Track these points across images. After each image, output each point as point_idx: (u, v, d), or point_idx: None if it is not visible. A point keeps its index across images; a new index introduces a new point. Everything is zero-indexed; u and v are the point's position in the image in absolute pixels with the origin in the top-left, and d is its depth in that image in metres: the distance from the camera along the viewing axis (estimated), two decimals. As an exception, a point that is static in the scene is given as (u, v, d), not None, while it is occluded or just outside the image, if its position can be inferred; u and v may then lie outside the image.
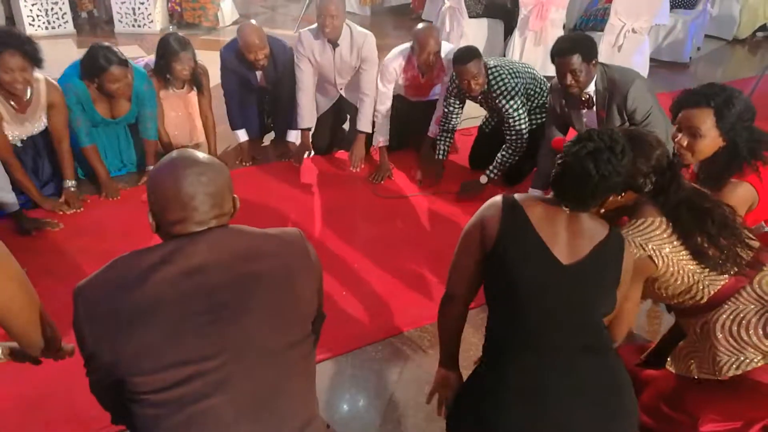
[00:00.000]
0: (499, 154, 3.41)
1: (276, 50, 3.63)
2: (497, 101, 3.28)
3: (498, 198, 1.55)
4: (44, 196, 3.15)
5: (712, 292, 1.69)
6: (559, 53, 2.80)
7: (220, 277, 1.19)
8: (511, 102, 3.26)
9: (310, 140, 3.84)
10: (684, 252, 1.68)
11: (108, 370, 1.16)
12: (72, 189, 3.20)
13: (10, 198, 2.88)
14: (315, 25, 3.49)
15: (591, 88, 2.86)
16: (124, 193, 3.38)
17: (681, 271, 1.68)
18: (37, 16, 6.39)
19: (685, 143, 2.00)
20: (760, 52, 7.42)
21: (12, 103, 2.82)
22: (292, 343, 1.24)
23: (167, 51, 3.38)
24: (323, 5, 3.30)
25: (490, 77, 3.25)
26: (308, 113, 3.71)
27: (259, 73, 3.68)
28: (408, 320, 2.49)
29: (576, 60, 2.76)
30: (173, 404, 1.15)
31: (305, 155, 3.83)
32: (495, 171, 3.42)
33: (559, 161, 1.51)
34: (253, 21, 3.57)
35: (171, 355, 1.14)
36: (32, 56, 2.72)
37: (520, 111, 3.29)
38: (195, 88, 3.65)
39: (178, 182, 1.21)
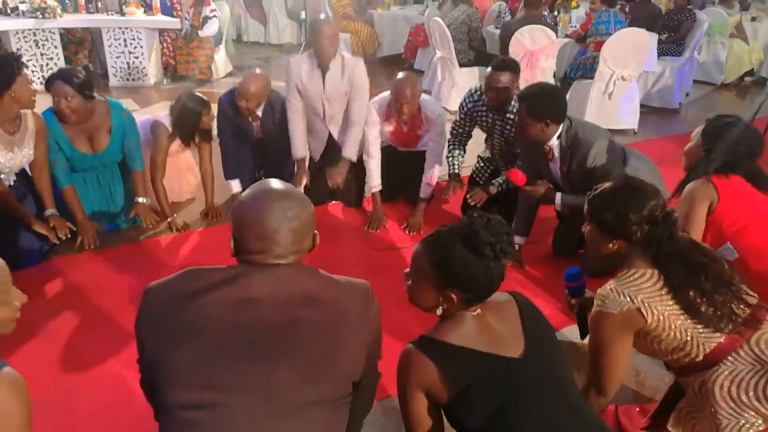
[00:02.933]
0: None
1: (275, 103, 3.62)
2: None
3: (411, 348, 1.41)
4: (37, 218, 3.09)
5: (708, 350, 1.62)
6: (517, 98, 2.88)
7: (269, 316, 1.19)
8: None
9: (306, 169, 3.78)
10: (675, 306, 1.63)
11: (149, 374, 1.24)
12: (54, 213, 3.15)
13: None
14: (306, 54, 3.48)
15: (554, 142, 2.84)
16: (113, 250, 3.31)
17: (673, 326, 1.62)
18: (33, 71, 6.44)
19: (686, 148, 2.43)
20: (749, 96, 7.52)
21: (4, 129, 2.85)
22: (320, 401, 1.21)
23: (190, 110, 3.43)
24: (320, 28, 3.29)
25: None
26: (301, 143, 3.67)
27: (256, 125, 3.66)
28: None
29: (522, 110, 2.79)
30: (192, 426, 1.16)
31: (302, 182, 3.74)
32: (504, 186, 3.44)
33: (459, 259, 1.41)
34: (259, 71, 3.57)
35: (202, 376, 1.16)
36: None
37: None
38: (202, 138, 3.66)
39: (262, 214, 1.23)
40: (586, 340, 1.84)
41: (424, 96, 3.56)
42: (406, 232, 3.61)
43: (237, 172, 3.83)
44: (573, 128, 2.82)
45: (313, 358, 1.20)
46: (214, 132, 3.74)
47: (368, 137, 3.63)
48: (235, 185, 3.84)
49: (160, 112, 3.62)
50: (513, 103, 3.26)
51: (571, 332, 2.65)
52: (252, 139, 3.76)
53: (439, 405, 1.42)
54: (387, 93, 3.62)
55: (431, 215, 3.67)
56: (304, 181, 3.74)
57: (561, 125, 2.80)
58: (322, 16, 3.50)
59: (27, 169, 3.13)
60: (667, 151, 4.54)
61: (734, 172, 2.26)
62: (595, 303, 1.69)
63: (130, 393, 2.21)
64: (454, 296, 1.41)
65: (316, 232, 1.32)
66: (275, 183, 1.30)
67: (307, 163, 3.80)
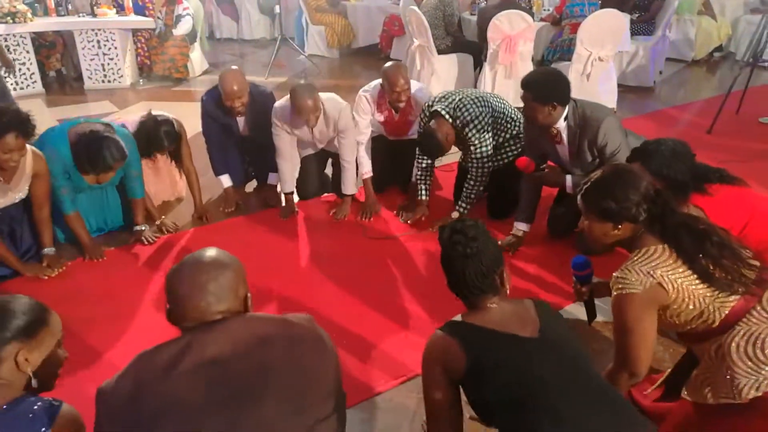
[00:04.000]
0: (464, 187, 3.42)
1: (257, 97, 3.62)
2: (464, 131, 3.27)
3: (437, 333, 1.59)
4: (24, 263, 3.06)
5: (724, 315, 1.69)
6: (521, 85, 2.88)
7: (236, 367, 1.23)
8: (474, 131, 3.25)
9: (293, 203, 3.82)
10: (692, 276, 1.69)
11: None
12: (52, 255, 3.13)
13: None
14: (287, 99, 3.44)
15: (561, 124, 2.88)
16: (106, 253, 3.31)
17: (691, 296, 1.69)
18: (4, 77, 6.30)
19: None
20: (719, 72, 7.69)
21: None
22: (318, 419, 1.26)
23: (154, 141, 3.41)
24: (303, 105, 3.24)
25: (455, 108, 3.25)
26: (290, 178, 3.72)
27: (240, 121, 3.66)
28: (412, 366, 2.44)
29: (528, 96, 2.83)
30: None
31: (291, 214, 3.79)
32: (464, 204, 3.42)
33: (447, 268, 1.64)
34: (235, 67, 3.56)
35: None
36: (29, 135, 2.73)
37: (483, 139, 3.28)
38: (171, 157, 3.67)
39: (183, 288, 1.32)
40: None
41: (412, 82, 3.59)
42: (401, 220, 3.65)
43: (226, 167, 3.84)
44: (579, 108, 2.87)
45: (295, 386, 1.25)
46: (194, 132, 3.73)
47: (358, 126, 3.66)
48: (226, 180, 3.86)
49: (136, 113, 3.60)
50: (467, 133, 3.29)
51: (574, 309, 2.73)
52: (237, 135, 3.77)
53: (457, 380, 1.52)
54: (377, 81, 3.64)
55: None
56: (294, 213, 3.79)
57: (567, 107, 2.85)
58: (307, 83, 3.50)
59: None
60: (647, 128, 4.64)
61: (705, 183, 2.28)
62: (613, 288, 1.74)
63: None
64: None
65: (249, 292, 1.41)
66: (200, 255, 1.39)
67: (296, 175, 3.83)
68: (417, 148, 3.58)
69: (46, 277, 3.04)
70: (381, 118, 3.73)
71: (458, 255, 1.57)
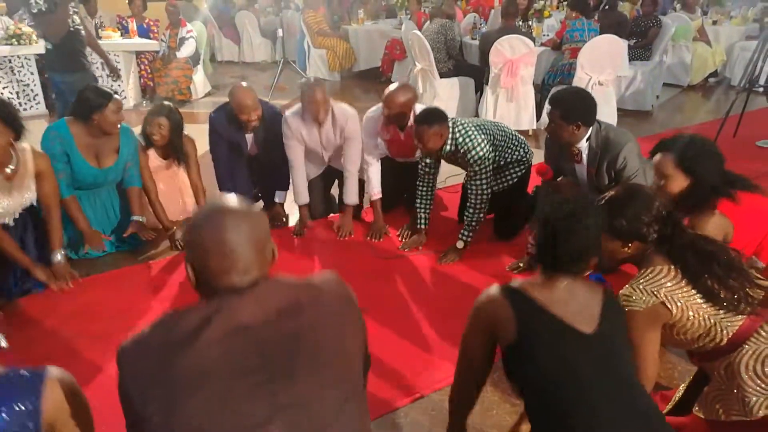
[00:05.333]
0: (465, 216, 3.43)
1: (267, 114, 3.66)
2: (466, 157, 3.30)
3: (496, 292, 1.57)
4: (36, 264, 3.00)
5: (731, 334, 1.72)
6: (549, 102, 2.94)
7: (266, 336, 1.16)
8: (476, 157, 3.27)
9: (307, 215, 3.86)
10: (697, 296, 1.72)
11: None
12: (61, 260, 3.10)
13: None
14: (296, 108, 3.57)
15: (582, 144, 2.95)
16: (116, 272, 3.32)
17: (697, 315, 1.71)
18: (9, 98, 6.36)
19: (655, 187, 2.25)
20: (714, 97, 7.80)
21: None
22: (347, 397, 1.21)
23: (148, 117, 3.48)
24: (312, 97, 3.37)
25: (457, 135, 3.28)
26: (303, 190, 3.77)
27: (249, 138, 3.69)
28: (426, 383, 2.46)
29: (555, 114, 2.88)
30: None
31: (304, 228, 3.84)
32: (467, 233, 3.41)
33: (540, 231, 1.57)
34: (244, 83, 3.61)
35: (225, 420, 1.09)
36: (11, 120, 2.66)
37: (485, 167, 3.29)
38: (178, 161, 3.67)
39: (218, 232, 1.18)
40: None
41: (420, 106, 3.64)
42: (400, 247, 3.64)
43: (233, 187, 3.86)
44: (603, 130, 2.93)
45: (325, 360, 1.19)
46: (203, 150, 3.77)
47: (366, 147, 3.70)
48: None
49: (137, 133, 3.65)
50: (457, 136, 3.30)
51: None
52: (246, 153, 3.80)
53: (499, 343, 1.54)
54: (380, 105, 3.70)
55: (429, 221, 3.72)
56: (306, 227, 3.83)
57: (591, 128, 2.91)
58: (313, 79, 3.55)
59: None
60: (645, 150, 4.67)
61: (733, 189, 2.22)
62: (620, 304, 1.76)
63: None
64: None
65: (274, 244, 1.31)
66: (222, 201, 1.26)
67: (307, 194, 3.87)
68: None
69: (55, 288, 3.02)
70: (387, 136, 3.78)
71: (563, 230, 1.52)
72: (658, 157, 2.29)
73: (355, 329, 1.30)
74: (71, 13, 4.54)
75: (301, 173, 3.72)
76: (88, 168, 3.23)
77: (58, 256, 3.09)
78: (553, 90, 5.80)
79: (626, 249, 1.84)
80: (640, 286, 1.73)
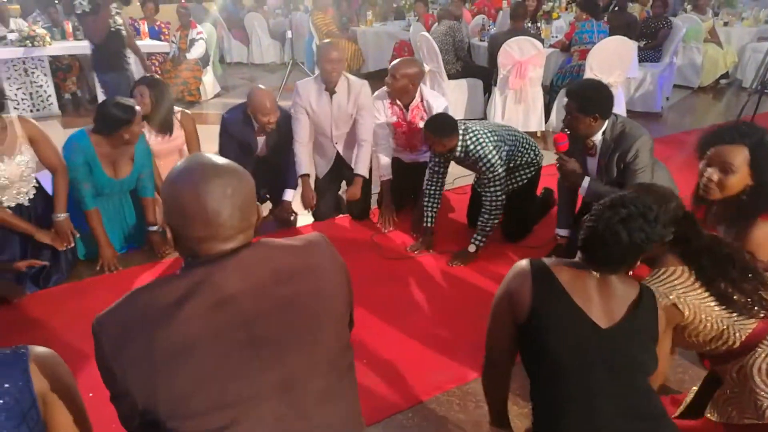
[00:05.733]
0: (479, 220, 3.41)
1: (280, 116, 3.68)
2: (477, 165, 3.32)
3: (525, 265, 1.56)
4: (40, 229, 3.07)
5: (744, 337, 1.72)
6: (566, 94, 2.93)
7: (255, 307, 1.10)
8: (488, 164, 3.27)
9: (311, 186, 3.86)
10: (709, 298, 1.71)
11: (142, 411, 1.05)
12: (62, 219, 3.14)
13: None
14: (312, 77, 3.63)
15: (598, 137, 2.94)
16: (125, 273, 3.35)
17: (709, 317, 1.71)
18: (22, 99, 6.44)
19: (716, 178, 2.00)
20: (725, 99, 7.76)
21: None
22: (339, 373, 1.20)
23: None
24: (326, 52, 3.43)
25: (468, 142, 3.29)
26: (306, 161, 3.78)
27: (261, 140, 3.71)
28: (433, 385, 2.46)
29: (573, 106, 2.86)
30: None
31: (313, 202, 3.85)
32: (480, 238, 3.40)
33: (590, 225, 1.52)
34: (261, 85, 3.61)
35: (213, 397, 1.05)
36: None
37: (497, 173, 3.29)
38: (170, 134, 3.68)
39: (201, 197, 1.08)
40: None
41: (426, 88, 3.67)
42: (408, 249, 3.64)
43: None
44: (620, 124, 2.92)
45: (313, 331, 1.15)
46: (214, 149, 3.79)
47: (379, 137, 3.76)
48: None
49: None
50: (468, 142, 3.31)
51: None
52: (255, 155, 3.81)
53: (518, 322, 1.54)
54: (384, 88, 3.76)
55: (436, 224, 3.73)
56: (313, 200, 3.83)
57: (607, 121, 2.91)
58: (328, 40, 3.61)
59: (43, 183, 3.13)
60: (656, 153, 4.66)
61: None
62: None
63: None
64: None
65: (259, 205, 1.27)
66: (204, 158, 1.16)
67: (313, 182, 3.87)
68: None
69: (59, 247, 3.12)
70: (393, 118, 3.81)
71: (622, 241, 1.45)
72: (724, 146, 1.99)
73: (345, 293, 1.26)
74: (113, 14, 4.67)
75: (304, 146, 3.73)
76: (106, 179, 3.27)
77: (60, 216, 3.14)
78: (561, 91, 5.81)
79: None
80: (652, 287, 1.71)
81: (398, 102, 3.71)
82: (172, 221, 1.13)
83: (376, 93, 3.82)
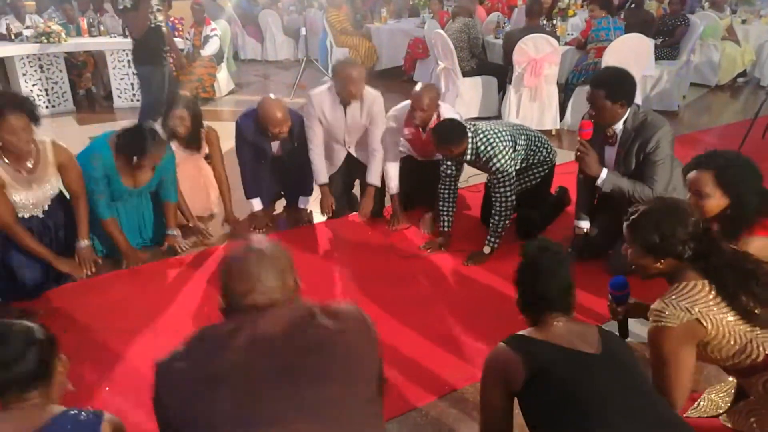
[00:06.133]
0: (490, 222, 3.40)
1: (293, 121, 3.68)
2: (488, 165, 3.29)
3: (502, 345, 1.60)
4: (59, 257, 3.04)
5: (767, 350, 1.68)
6: (591, 83, 2.91)
7: (286, 345, 1.25)
8: (498, 165, 3.25)
9: (330, 194, 3.87)
10: (731, 313, 1.68)
11: None
12: (85, 247, 3.14)
13: None
14: (325, 86, 3.60)
15: (618, 126, 2.91)
16: (144, 267, 3.36)
17: (732, 332, 1.68)
18: (38, 96, 6.48)
19: (693, 202, 2.16)
20: (743, 97, 7.67)
21: (18, 167, 2.79)
22: (367, 399, 1.28)
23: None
24: (349, 75, 3.39)
25: (479, 143, 3.26)
26: (323, 169, 3.78)
27: (275, 144, 3.72)
28: (446, 383, 2.44)
29: (600, 95, 2.84)
30: None
31: (332, 209, 3.87)
32: (494, 239, 3.39)
33: (526, 279, 1.69)
34: (272, 95, 3.58)
35: (250, 418, 1.17)
36: (32, 114, 2.72)
37: (508, 174, 3.27)
38: (198, 149, 3.71)
39: (243, 264, 1.37)
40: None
41: (444, 104, 3.64)
42: (422, 246, 3.63)
43: (257, 192, 3.89)
44: (642, 113, 2.90)
45: (343, 366, 1.27)
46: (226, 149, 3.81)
47: (387, 145, 3.71)
48: (257, 204, 3.89)
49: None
50: (479, 144, 3.28)
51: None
52: (270, 157, 3.82)
53: (514, 392, 1.54)
54: (406, 102, 3.70)
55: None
56: (332, 207, 3.85)
57: (629, 110, 2.89)
58: (346, 56, 3.58)
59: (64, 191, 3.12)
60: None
61: None
62: (651, 319, 1.73)
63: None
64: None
65: (297, 277, 1.47)
66: (251, 241, 1.44)
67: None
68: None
69: (80, 276, 3.09)
70: (409, 135, 3.79)
71: (547, 268, 1.62)
72: (694, 173, 2.17)
73: (371, 348, 1.36)
74: (154, 10, 4.83)
75: (320, 155, 3.73)
76: (125, 189, 3.27)
77: (83, 244, 3.14)
78: (577, 89, 5.77)
79: (659, 264, 1.80)
80: (674, 302, 1.69)
81: (416, 122, 3.66)
82: (224, 288, 1.38)
83: (394, 109, 3.78)
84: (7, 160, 2.76)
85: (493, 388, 1.59)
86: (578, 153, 2.97)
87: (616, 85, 2.85)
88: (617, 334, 2.35)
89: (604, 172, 2.95)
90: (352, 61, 3.50)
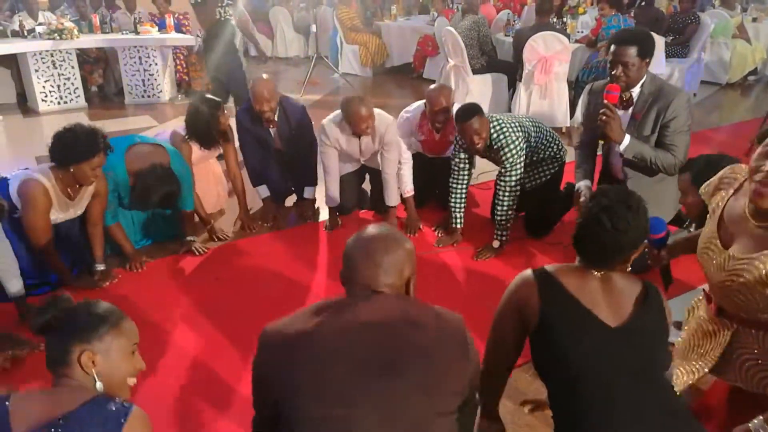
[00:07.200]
0: (495, 214, 3.40)
1: (289, 110, 3.73)
2: (499, 153, 3.30)
3: (528, 274, 1.58)
4: (78, 278, 3.13)
5: None
6: (618, 41, 2.85)
7: (378, 338, 1.30)
8: (509, 154, 3.26)
9: (337, 217, 3.90)
10: None
11: (279, 402, 1.28)
12: (104, 270, 3.19)
13: (15, 284, 2.73)
14: (335, 116, 3.58)
15: (635, 90, 2.89)
16: (150, 265, 3.37)
17: None
18: (50, 92, 6.54)
19: (681, 202, 2.54)
20: (753, 95, 7.64)
21: (66, 191, 2.88)
22: (438, 413, 1.29)
23: (208, 110, 3.52)
24: (357, 112, 3.35)
25: (492, 131, 3.27)
26: (335, 194, 3.80)
27: (274, 133, 3.76)
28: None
29: (632, 52, 2.79)
30: None
31: (336, 225, 3.88)
32: (501, 232, 3.40)
33: (577, 221, 1.56)
34: (265, 75, 3.66)
35: (336, 399, 1.24)
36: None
37: (517, 164, 3.28)
38: (220, 145, 3.75)
39: (363, 257, 1.42)
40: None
41: (456, 105, 3.65)
42: (435, 244, 3.65)
43: (262, 178, 3.93)
44: (658, 79, 2.91)
45: (425, 373, 1.28)
46: (236, 138, 3.85)
47: (400, 147, 3.72)
48: (263, 191, 3.96)
49: (177, 125, 3.73)
50: (492, 132, 3.29)
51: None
52: (273, 147, 3.86)
53: (525, 325, 1.56)
54: (419, 103, 3.72)
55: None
56: (338, 226, 3.87)
57: (645, 75, 2.88)
58: (357, 94, 3.57)
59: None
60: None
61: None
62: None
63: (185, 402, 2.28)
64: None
65: (414, 276, 1.49)
66: (377, 228, 1.50)
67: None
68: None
69: (98, 288, 3.10)
70: (421, 137, 3.80)
71: (606, 229, 1.48)
72: (678, 176, 2.44)
73: (462, 367, 1.35)
74: (222, 5, 5.06)
75: (334, 179, 3.74)
76: (128, 200, 3.29)
77: (100, 268, 3.18)
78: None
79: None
80: None
81: (437, 124, 3.67)
82: (344, 265, 1.46)
83: (406, 110, 3.81)
84: (60, 184, 2.84)
85: (507, 314, 1.60)
86: (603, 117, 2.85)
87: (646, 42, 2.82)
88: (663, 282, 2.22)
89: (627, 138, 2.87)
90: (359, 97, 3.43)
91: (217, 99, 3.61)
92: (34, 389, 1.36)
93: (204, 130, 3.56)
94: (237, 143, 3.87)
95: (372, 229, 1.50)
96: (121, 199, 3.27)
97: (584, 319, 1.46)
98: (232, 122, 3.80)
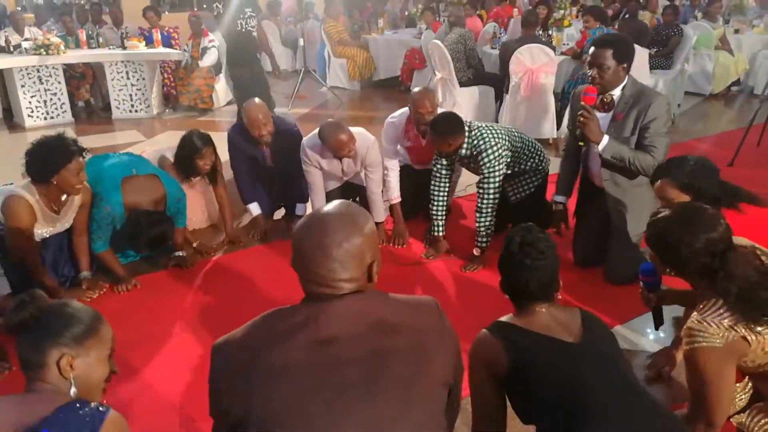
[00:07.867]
0: (476, 222, 3.38)
1: (282, 129, 3.73)
2: (477, 159, 3.30)
3: (484, 332, 1.61)
4: (67, 290, 3.11)
5: None
6: (595, 44, 2.92)
7: (351, 353, 1.18)
8: (487, 159, 3.26)
9: None
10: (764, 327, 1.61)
11: (237, 425, 1.17)
12: (90, 277, 3.19)
13: None
14: (313, 137, 3.52)
15: (616, 92, 2.93)
16: (139, 278, 3.35)
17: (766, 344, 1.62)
18: (36, 107, 6.51)
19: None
20: (737, 105, 7.74)
21: (51, 205, 2.87)
22: (424, 424, 1.20)
23: (190, 148, 3.51)
24: (338, 139, 3.30)
25: (472, 137, 3.29)
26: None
27: (266, 152, 3.77)
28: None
29: (607, 54, 2.84)
30: None
31: None
32: (482, 239, 3.39)
33: (506, 272, 1.68)
34: (256, 99, 3.66)
35: (297, 421, 1.14)
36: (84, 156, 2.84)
37: (495, 170, 3.28)
38: (208, 179, 3.74)
39: (312, 251, 1.24)
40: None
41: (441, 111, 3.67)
42: (423, 255, 3.63)
43: (254, 196, 3.92)
44: (639, 83, 2.96)
45: (406, 385, 1.19)
46: (224, 162, 3.83)
47: (386, 153, 3.75)
48: (254, 208, 3.94)
49: (165, 143, 3.73)
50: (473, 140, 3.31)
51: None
52: (264, 166, 3.86)
53: (500, 381, 1.56)
54: (405, 109, 3.73)
55: (449, 231, 3.72)
56: None
57: (627, 77, 2.92)
58: (333, 119, 3.49)
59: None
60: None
61: (737, 201, 2.21)
62: (689, 340, 1.63)
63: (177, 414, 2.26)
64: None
65: (377, 260, 1.32)
66: (328, 209, 1.30)
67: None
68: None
69: (88, 299, 3.09)
70: (408, 143, 3.81)
71: (525, 266, 1.60)
72: (657, 184, 2.32)
73: (449, 363, 1.30)
74: (246, 16, 5.30)
75: (320, 194, 3.72)
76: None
77: (86, 275, 3.18)
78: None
79: (668, 271, 1.81)
80: (715, 320, 1.59)
81: (421, 126, 3.67)
82: (294, 261, 1.28)
83: (392, 116, 3.82)
84: (44, 198, 2.84)
85: (478, 375, 1.60)
86: (581, 118, 2.90)
87: (623, 45, 2.87)
88: (653, 321, 2.28)
89: (606, 139, 2.89)
90: (336, 123, 3.38)
91: (208, 136, 3.59)
92: (6, 395, 1.33)
93: (187, 163, 3.56)
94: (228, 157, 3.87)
95: (322, 211, 1.30)
96: (116, 229, 3.25)
97: (548, 343, 1.52)
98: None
